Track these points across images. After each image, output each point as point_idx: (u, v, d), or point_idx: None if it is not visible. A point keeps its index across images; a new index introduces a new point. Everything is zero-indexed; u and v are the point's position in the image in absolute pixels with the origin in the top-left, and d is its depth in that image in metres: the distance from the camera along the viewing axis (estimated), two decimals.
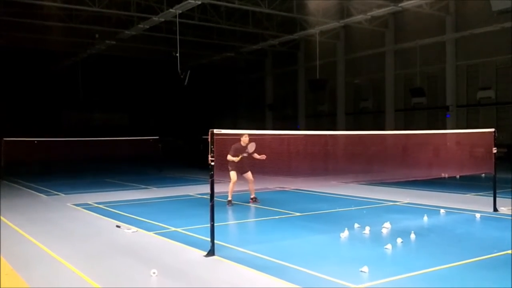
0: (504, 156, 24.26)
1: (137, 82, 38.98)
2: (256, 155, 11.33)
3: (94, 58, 35.02)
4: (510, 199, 11.32)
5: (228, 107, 42.93)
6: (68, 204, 11.89)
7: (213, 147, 6.83)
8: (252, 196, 11.79)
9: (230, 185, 11.21)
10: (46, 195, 13.99)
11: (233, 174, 11.22)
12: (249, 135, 11.11)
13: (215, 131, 6.85)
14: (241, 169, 11.44)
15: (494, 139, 9.96)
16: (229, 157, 11.01)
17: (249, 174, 11.56)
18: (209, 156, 6.88)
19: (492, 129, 10.06)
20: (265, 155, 11.40)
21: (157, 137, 24.00)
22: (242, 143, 11.16)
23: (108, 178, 18.74)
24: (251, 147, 11.16)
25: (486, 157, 12.07)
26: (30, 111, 35.58)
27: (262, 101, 42.09)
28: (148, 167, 23.44)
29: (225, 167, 11.01)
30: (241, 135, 10.96)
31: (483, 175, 16.67)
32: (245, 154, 11.27)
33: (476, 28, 26.80)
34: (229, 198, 11.30)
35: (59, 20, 27.02)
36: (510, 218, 9.19)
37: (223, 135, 7.55)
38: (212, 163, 6.88)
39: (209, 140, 6.80)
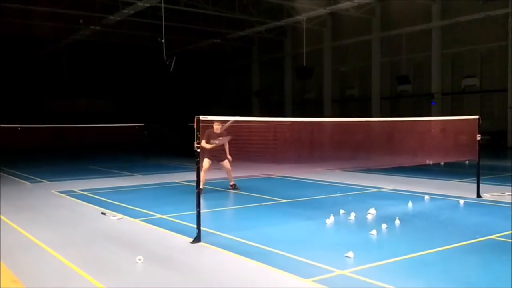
0: (487, 143, 24.59)
1: (122, 69, 38.53)
2: (226, 148, 11.17)
3: (79, 44, 34.51)
4: (493, 185, 11.48)
5: (214, 94, 42.74)
6: (53, 191, 11.77)
7: (199, 134, 6.78)
8: (231, 183, 11.67)
9: (201, 173, 10.80)
10: (30, 182, 13.84)
11: (205, 162, 10.88)
12: (236, 121, 11.02)
13: (201, 117, 6.79)
14: (217, 157, 11.23)
15: (478, 126, 10.04)
16: (203, 144, 10.47)
17: (226, 163, 11.33)
18: (195, 142, 6.83)
19: (477, 116, 10.14)
20: (251, 142, 11.35)
21: (142, 124, 23.83)
22: (215, 130, 10.97)
23: (93, 165, 18.59)
24: (222, 128, 10.99)
25: (470, 144, 12.18)
26: (13, 97, 35.03)
27: (248, 89, 41.98)
28: (133, 154, 23.30)
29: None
30: (224, 121, 10.81)
31: (466, 162, 16.86)
32: (217, 141, 11.04)
33: (462, 16, 26.94)
34: (201, 187, 11.10)
35: (42, 5, 26.52)
36: (493, 204, 9.34)
37: (209, 122, 7.52)
38: (198, 150, 6.85)
39: (195, 126, 6.75)
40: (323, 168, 16.15)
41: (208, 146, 10.83)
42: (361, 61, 33.53)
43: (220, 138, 11.04)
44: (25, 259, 6.02)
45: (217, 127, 10.96)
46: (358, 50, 33.41)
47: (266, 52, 40.65)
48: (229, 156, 11.27)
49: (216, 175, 12.05)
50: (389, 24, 31.12)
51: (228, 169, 11.50)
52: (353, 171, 15.63)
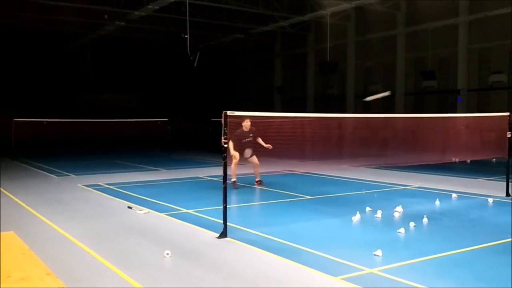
0: None
1: (146, 64, 38.86)
2: (261, 141, 11.20)
3: (104, 39, 34.89)
4: None
5: (237, 89, 42.79)
6: (79, 185, 11.95)
7: (226, 129, 6.77)
8: (257, 179, 11.71)
9: (232, 165, 10.95)
10: (57, 175, 14.07)
11: (236, 154, 10.88)
12: (259, 117, 11.00)
13: (229, 112, 6.77)
14: (247, 153, 11.36)
15: (509, 123, 9.81)
16: (231, 148, 10.50)
17: (254, 159, 11.46)
18: (222, 138, 6.84)
19: (507, 113, 9.91)
20: (273, 138, 11.34)
21: (166, 119, 24.01)
22: (244, 128, 11.01)
23: (117, 160, 18.80)
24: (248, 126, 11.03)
25: (497, 141, 11.93)
26: (39, 92, 35.65)
27: (270, 84, 41.85)
28: (156, 149, 23.48)
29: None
30: (245, 119, 10.82)
31: (493, 159, 16.56)
32: (249, 139, 11.13)
33: (490, 10, 26.34)
34: (233, 179, 11.16)
35: (68, 0, 26.86)
36: None
37: (236, 117, 7.51)
38: (225, 145, 6.85)
39: (222, 121, 6.75)
40: (347, 165, 16.05)
41: (233, 153, 10.69)
42: (385, 56, 33.08)
43: (251, 135, 11.06)
44: (55, 251, 6.12)
45: (246, 125, 10.95)
46: (382, 45, 32.96)
47: (289, 47, 40.40)
48: (267, 145, 11.09)
49: (239, 170, 12.07)
50: (414, 19, 30.59)
51: (256, 164, 11.57)
52: (377, 168, 15.46)
